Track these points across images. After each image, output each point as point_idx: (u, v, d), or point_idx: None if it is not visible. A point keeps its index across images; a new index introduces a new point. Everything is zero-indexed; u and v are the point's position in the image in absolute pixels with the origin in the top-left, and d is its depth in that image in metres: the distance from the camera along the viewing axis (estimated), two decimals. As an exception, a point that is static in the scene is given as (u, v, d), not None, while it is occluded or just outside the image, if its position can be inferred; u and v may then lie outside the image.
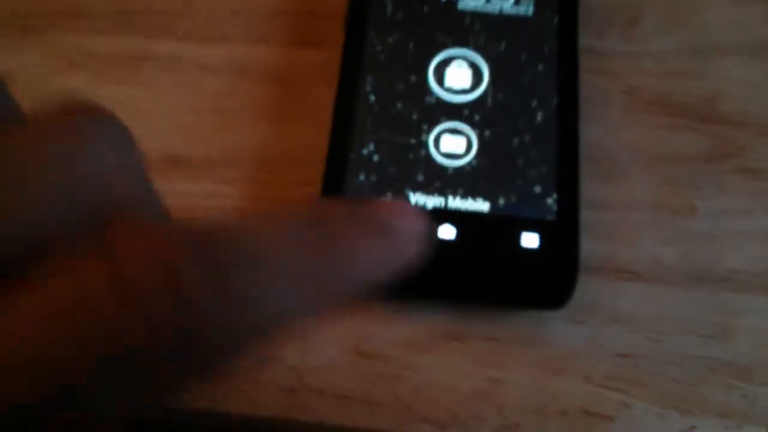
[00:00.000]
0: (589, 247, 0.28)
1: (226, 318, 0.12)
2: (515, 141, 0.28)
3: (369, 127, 0.28)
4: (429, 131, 0.28)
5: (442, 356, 0.26)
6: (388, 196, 0.27)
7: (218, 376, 0.12)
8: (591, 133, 0.30)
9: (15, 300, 0.11)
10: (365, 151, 0.27)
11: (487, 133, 0.28)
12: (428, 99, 0.29)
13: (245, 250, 0.12)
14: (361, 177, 0.27)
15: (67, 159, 0.12)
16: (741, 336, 0.27)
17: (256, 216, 0.13)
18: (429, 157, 0.28)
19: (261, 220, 0.13)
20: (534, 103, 0.29)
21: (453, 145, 0.28)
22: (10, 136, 0.12)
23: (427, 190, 0.27)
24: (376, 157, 0.27)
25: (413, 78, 0.29)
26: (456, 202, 0.27)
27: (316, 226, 0.13)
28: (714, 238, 0.28)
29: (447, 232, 0.26)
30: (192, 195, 0.28)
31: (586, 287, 0.27)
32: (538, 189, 0.27)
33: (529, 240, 0.26)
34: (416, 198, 0.27)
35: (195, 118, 0.30)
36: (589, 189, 0.29)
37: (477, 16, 0.30)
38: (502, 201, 0.27)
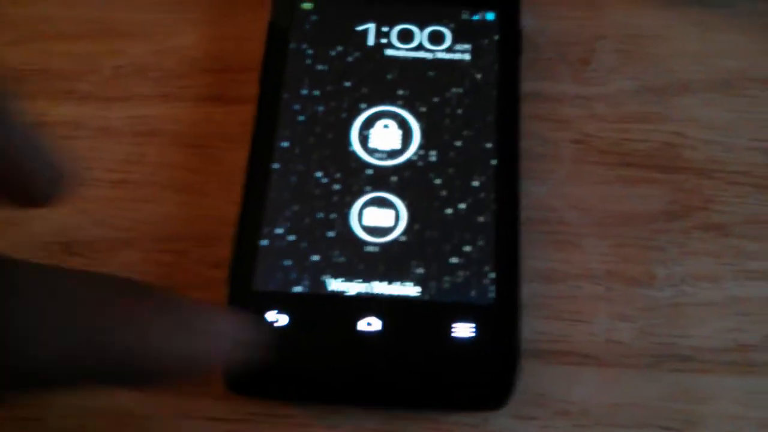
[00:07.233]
0: (535, 326, 0.25)
1: None
2: (449, 211, 0.25)
3: (283, 200, 0.25)
4: (351, 203, 0.25)
5: (372, 464, 0.23)
6: (305, 285, 0.23)
7: None
8: (536, 192, 0.27)
9: None
10: (278, 230, 0.24)
11: (417, 203, 0.25)
12: (351, 164, 0.26)
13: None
14: (274, 262, 0.24)
15: None
16: (707, 425, 0.24)
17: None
18: (351, 234, 0.24)
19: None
20: (470, 166, 0.25)
21: (378, 218, 0.25)
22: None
23: (349, 274, 0.24)
24: (291, 237, 0.24)
25: (334, 140, 0.26)
26: (382, 287, 0.24)
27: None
28: (676, 311, 0.25)
29: (371, 323, 0.23)
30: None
31: (533, 375, 0.24)
32: (474, 268, 0.24)
33: (463, 330, 0.23)
34: (336, 285, 0.24)
35: (94, 192, 0.27)
36: (534, 259, 0.25)
37: (406, 64, 0.27)
38: (433, 284, 0.24)
